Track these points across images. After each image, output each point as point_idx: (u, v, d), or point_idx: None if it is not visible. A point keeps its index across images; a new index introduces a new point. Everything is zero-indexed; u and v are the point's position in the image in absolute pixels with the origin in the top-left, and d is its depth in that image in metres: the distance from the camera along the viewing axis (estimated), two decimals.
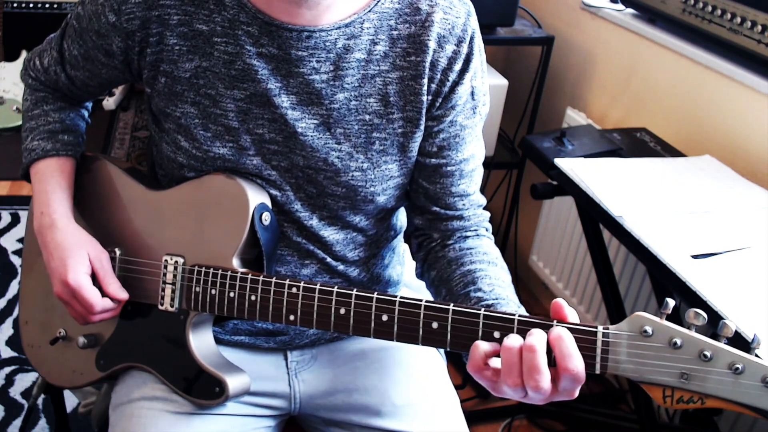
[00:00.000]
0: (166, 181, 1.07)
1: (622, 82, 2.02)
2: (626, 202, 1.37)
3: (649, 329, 0.74)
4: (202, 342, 1.01)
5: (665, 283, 1.25)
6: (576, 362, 0.75)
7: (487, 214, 1.10)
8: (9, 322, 2.20)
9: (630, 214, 1.34)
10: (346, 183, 0.99)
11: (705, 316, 0.72)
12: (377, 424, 1.05)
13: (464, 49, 0.97)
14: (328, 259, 1.06)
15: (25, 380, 2.00)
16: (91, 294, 0.98)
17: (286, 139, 0.97)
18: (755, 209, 1.40)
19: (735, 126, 1.65)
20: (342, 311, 0.88)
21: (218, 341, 1.06)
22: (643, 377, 0.75)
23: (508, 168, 2.32)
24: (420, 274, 1.10)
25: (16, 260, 2.48)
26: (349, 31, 0.94)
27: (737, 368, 0.71)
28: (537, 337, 0.76)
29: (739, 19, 1.57)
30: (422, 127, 0.99)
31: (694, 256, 1.23)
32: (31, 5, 3.31)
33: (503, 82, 2.13)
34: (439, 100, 0.98)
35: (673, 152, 1.67)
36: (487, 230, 1.09)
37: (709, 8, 1.64)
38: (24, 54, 3.26)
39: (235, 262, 0.97)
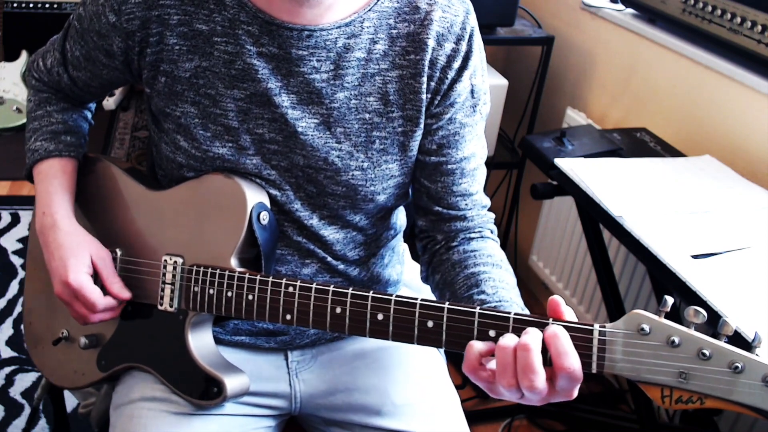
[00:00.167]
0: (166, 181, 1.07)
1: (622, 82, 2.02)
2: (626, 202, 1.37)
3: (646, 327, 0.73)
4: (201, 342, 1.01)
5: (665, 283, 1.25)
6: (572, 360, 0.74)
7: (492, 216, 1.08)
8: (9, 322, 2.19)
9: (630, 214, 1.34)
10: (347, 182, 0.99)
11: (705, 314, 0.71)
12: (377, 424, 1.05)
13: (463, 47, 0.97)
14: (329, 259, 1.06)
15: (25, 380, 2.00)
16: (93, 293, 0.98)
17: (286, 139, 0.97)
18: (755, 209, 1.40)
19: (735, 126, 1.65)
20: (338, 310, 0.88)
21: (219, 341, 1.06)
22: (640, 376, 0.74)
23: (508, 168, 2.32)
24: (425, 278, 1.10)
25: (16, 260, 2.47)
26: (349, 30, 0.94)
27: (737, 367, 0.69)
28: (532, 336, 0.75)
29: (739, 19, 1.57)
30: (422, 126, 0.99)
31: (694, 256, 1.23)
32: (31, 5, 3.31)
33: (503, 82, 2.13)
34: (438, 97, 0.98)
35: (673, 152, 1.66)
36: (492, 232, 1.07)
37: (709, 8, 1.64)
38: (24, 54, 3.25)
39: (233, 262, 0.97)
